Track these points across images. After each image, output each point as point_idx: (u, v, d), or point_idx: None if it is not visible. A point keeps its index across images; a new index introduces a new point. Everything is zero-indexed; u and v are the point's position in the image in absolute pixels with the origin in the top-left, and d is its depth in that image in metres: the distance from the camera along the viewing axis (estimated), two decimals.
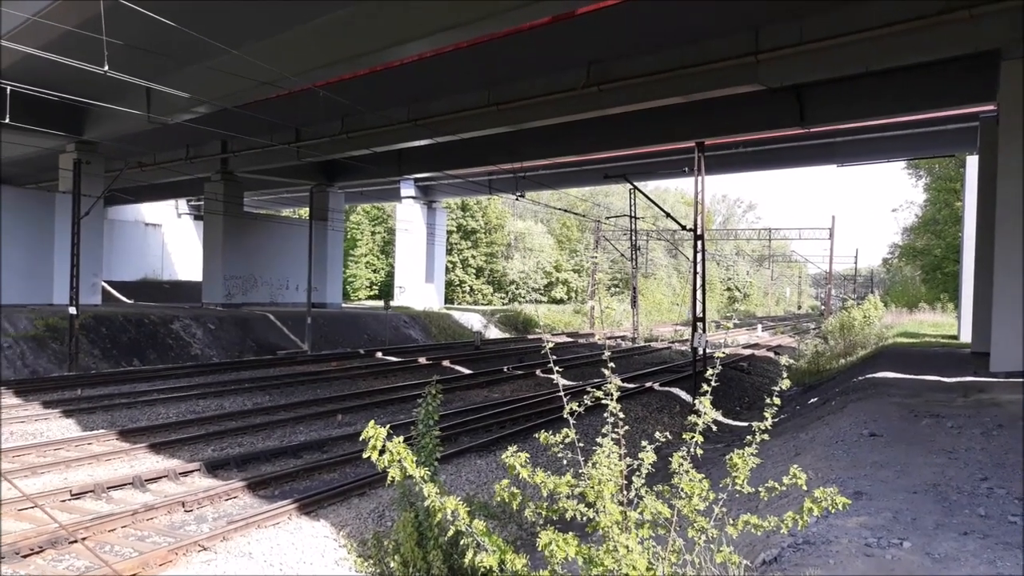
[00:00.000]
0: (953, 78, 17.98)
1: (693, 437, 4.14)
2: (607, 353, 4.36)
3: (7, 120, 16.63)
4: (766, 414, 4.24)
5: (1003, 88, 15.42)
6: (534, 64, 19.23)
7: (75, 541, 8.16)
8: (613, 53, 18.09)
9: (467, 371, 24.65)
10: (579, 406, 4.22)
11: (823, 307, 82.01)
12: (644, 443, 4.21)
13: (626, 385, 19.21)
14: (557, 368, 4.60)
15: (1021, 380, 13.41)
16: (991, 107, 19.55)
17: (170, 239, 54.47)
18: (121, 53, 13.64)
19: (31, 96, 17.39)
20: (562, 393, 4.40)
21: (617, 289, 70.02)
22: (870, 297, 41.33)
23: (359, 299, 59.41)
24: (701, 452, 4.14)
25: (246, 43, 16.44)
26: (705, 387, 4.30)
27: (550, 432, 4.26)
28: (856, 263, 74.17)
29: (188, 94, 16.54)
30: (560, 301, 66.58)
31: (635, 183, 27.49)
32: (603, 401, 4.29)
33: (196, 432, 14.35)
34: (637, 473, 4.05)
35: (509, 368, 25.21)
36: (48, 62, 13.65)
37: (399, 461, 4.11)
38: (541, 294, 67.79)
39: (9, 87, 15.79)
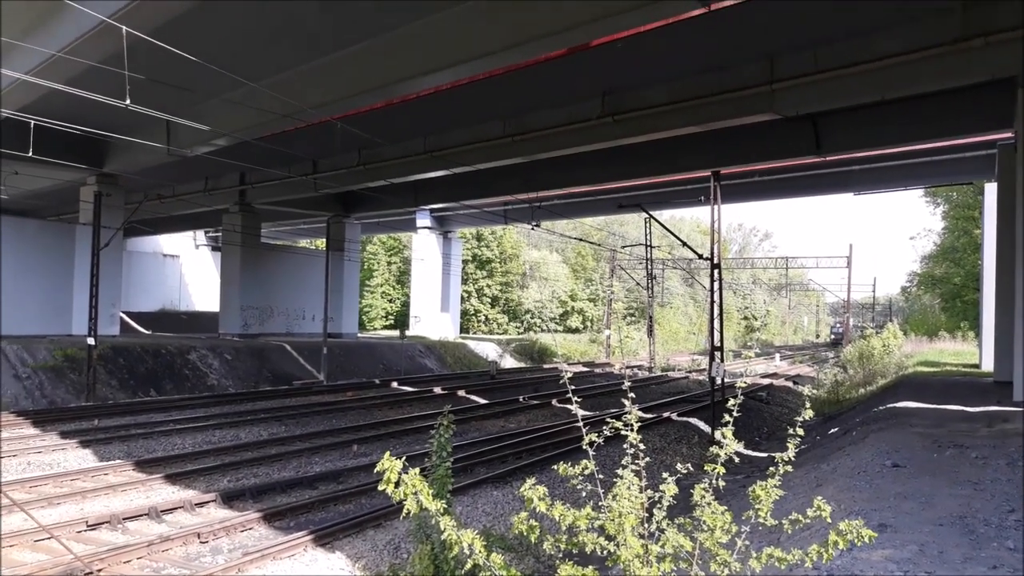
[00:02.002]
0: (970, 105, 17.93)
1: (715, 468, 4.08)
2: (627, 383, 4.31)
3: (30, 153, 16.85)
4: (789, 445, 4.17)
5: (1020, 115, 15.35)
6: (549, 95, 19.38)
7: (90, 573, 8.12)
8: (627, 83, 18.20)
9: (483, 400, 24.55)
10: (599, 437, 4.17)
11: (832, 336, 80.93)
12: (665, 475, 4.15)
13: (644, 415, 19.07)
14: (576, 399, 4.55)
15: None
16: (1008, 134, 19.47)
17: (188, 270, 54.94)
18: (142, 87, 13.86)
19: (53, 130, 17.68)
20: (581, 424, 4.35)
21: (633, 318, 69.76)
22: (889, 325, 40.97)
23: (375, 329, 59.51)
24: (724, 484, 4.08)
25: (264, 77, 16.68)
26: (727, 417, 4.24)
27: (569, 464, 4.21)
28: (874, 291, 73.70)
29: (207, 127, 16.74)
30: (576, 330, 66.40)
31: (650, 212, 27.48)
32: (622, 432, 4.24)
33: (212, 463, 14.33)
34: (658, 505, 3.99)
35: (525, 398, 25.08)
36: (70, 97, 13.88)
37: (415, 494, 4.07)
38: (556, 323, 67.63)
39: (33, 121, 16.03)
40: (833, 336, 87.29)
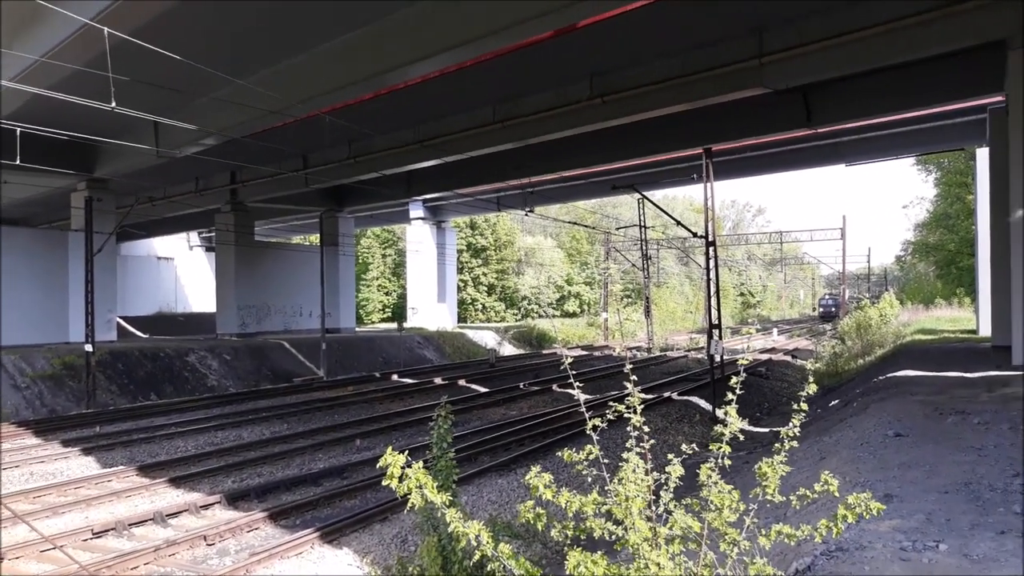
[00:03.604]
0: (959, 71, 17.85)
1: (720, 447, 4.05)
2: (628, 366, 4.28)
3: (18, 161, 16.71)
4: (794, 420, 4.14)
5: (1010, 78, 15.28)
6: (538, 79, 19.26)
7: None
8: (616, 64, 18.09)
9: (483, 389, 24.55)
10: (602, 421, 4.14)
11: (820, 309, 79.50)
12: (670, 456, 4.12)
13: (644, 396, 19.12)
14: (578, 384, 4.52)
15: None
16: (999, 98, 19.39)
17: (182, 272, 54.80)
18: (128, 89, 13.73)
19: (41, 137, 17.55)
20: (584, 409, 4.32)
21: (630, 300, 69.78)
22: (885, 295, 41.01)
23: (372, 322, 59.47)
24: (729, 462, 4.05)
25: (250, 73, 16.55)
26: (730, 395, 4.20)
27: (573, 449, 4.17)
28: (869, 262, 73.77)
29: (195, 126, 16.63)
30: (573, 314, 66.43)
31: (644, 192, 27.41)
32: (626, 415, 4.21)
33: (215, 464, 14.31)
34: (665, 487, 3.96)
35: (525, 384, 25.09)
36: (57, 102, 13.76)
37: (419, 487, 4.04)
38: (554, 308, 67.65)
39: (19, 129, 15.89)
40: (821, 309, 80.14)
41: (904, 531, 5.40)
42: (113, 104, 11.60)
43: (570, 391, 23.66)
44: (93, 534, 10.05)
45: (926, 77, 18.20)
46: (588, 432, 4.18)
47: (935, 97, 19.43)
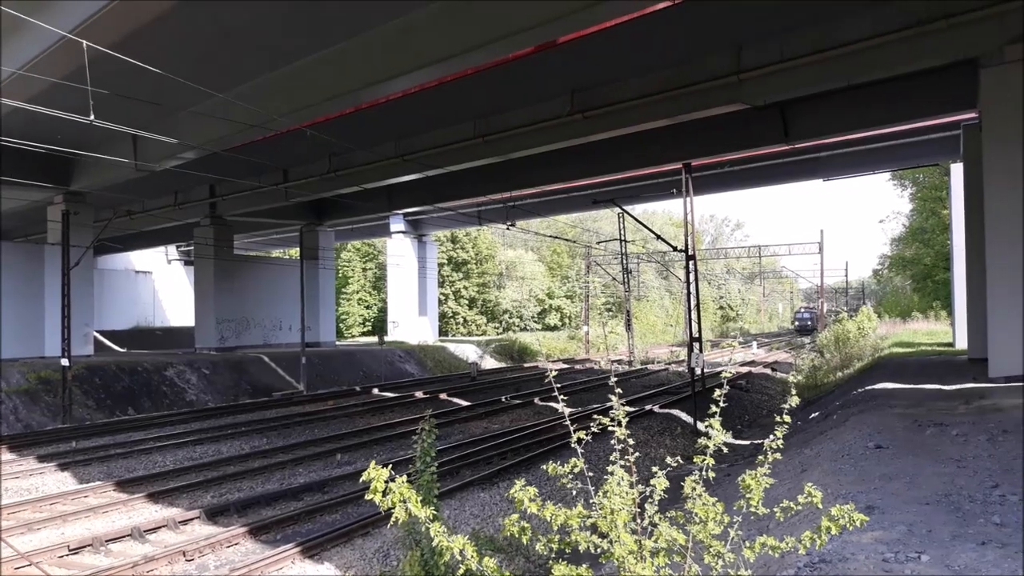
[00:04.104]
0: (934, 88, 18.15)
1: (704, 460, 4.07)
2: (613, 379, 4.29)
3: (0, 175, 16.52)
4: (777, 432, 4.17)
5: (983, 95, 15.56)
6: (519, 94, 19.35)
7: None
8: (596, 80, 18.21)
9: (465, 403, 24.48)
10: (587, 434, 4.15)
11: (795, 323, 79.26)
12: (655, 468, 4.14)
13: (626, 408, 19.17)
14: (562, 397, 4.53)
15: (1021, 384, 13.37)
16: (972, 114, 19.73)
17: (161, 286, 54.31)
18: (107, 102, 13.65)
19: (19, 150, 17.38)
20: (568, 422, 4.32)
21: (611, 313, 69.97)
22: (863, 308, 41.40)
23: (353, 336, 59.20)
24: (713, 475, 4.07)
25: (230, 87, 16.50)
26: (714, 408, 4.23)
27: (558, 463, 4.18)
28: (847, 275, 74.48)
29: (174, 140, 16.54)
30: (554, 328, 66.48)
31: (624, 207, 27.57)
32: (610, 428, 4.22)
33: (194, 479, 14.16)
34: (649, 500, 3.97)
35: (507, 398, 25.06)
36: (33, 115, 13.65)
37: (403, 502, 4.02)
38: (535, 321, 67.69)
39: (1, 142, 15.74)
40: (798, 323, 78.64)
41: (886, 542, 5.44)
42: (92, 117, 11.51)
43: (552, 404, 23.74)
44: (69, 550, 9.90)
45: (902, 94, 18.49)
46: (573, 445, 4.19)
47: (910, 113, 19.74)
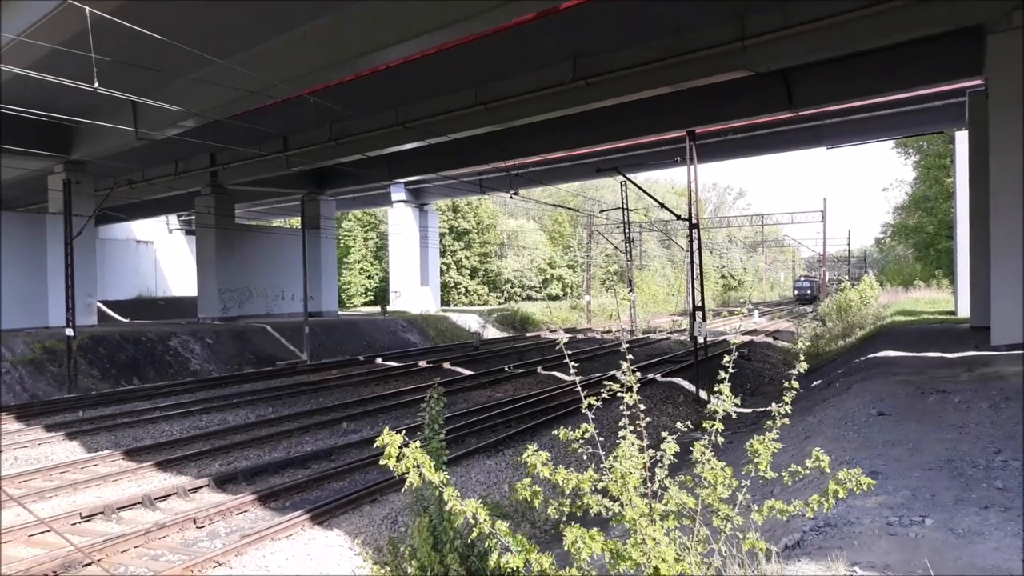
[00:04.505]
0: (939, 54, 18.01)
1: (713, 425, 4.12)
2: (625, 346, 4.33)
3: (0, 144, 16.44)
4: (785, 398, 4.22)
5: (990, 62, 15.44)
6: (520, 61, 19.20)
7: (90, 563, 8.11)
8: (598, 46, 18.06)
9: (468, 372, 24.61)
10: (597, 400, 4.20)
11: (795, 292, 78.31)
12: (664, 434, 4.19)
13: (637, 374, 19.32)
14: (573, 364, 4.57)
15: (1023, 352, 13.44)
16: (978, 81, 19.59)
17: (162, 255, 54.30)
18: (107, 69, 13.55)
19: (18, 118, 17.29)
20: (579, 388, 4.37)
21: (612, 282, 70.04)
22: (865, 277, 41.42)
23: (355, 306, 59.31)
24: (722, 440, 4.13)
25: (230, 54, 16.36)
26: (723, 373, 4.27)
27: (569, 428, 4.24)
28: (849, 244, 74.32)
29: (175, 107, 16.45)
30: (556, 297, 66.59)
31: (627, 175, 27.47)
32: (619, 394, 4.27)
33: (202, 448, 14.28)
34: (660, 464, 4.03)
35: (510, 367, 25.18)
36: (33, 83, 13.57)
37: (417, 467, 4.08)
38: (536, 291, 67.77)
39: (0, 110, 15.64)
40: (797, 292, 75.52)
41: (890, 507, 5.51)
42: (96, 85, 11.44)
43: (555, 373, 23.86)
44: (82, 518, 10.03)
45: (906, 61, 18.35)
46: (583, 411, 4.24)
47: (915, 80, 19.60)
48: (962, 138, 25.37)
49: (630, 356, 4.29)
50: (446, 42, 15.55)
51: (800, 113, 22.85)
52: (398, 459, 4.06)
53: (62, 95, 16.60)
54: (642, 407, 4.12)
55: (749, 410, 15.26)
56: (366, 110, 22.26)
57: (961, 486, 6.00)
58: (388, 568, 8.17)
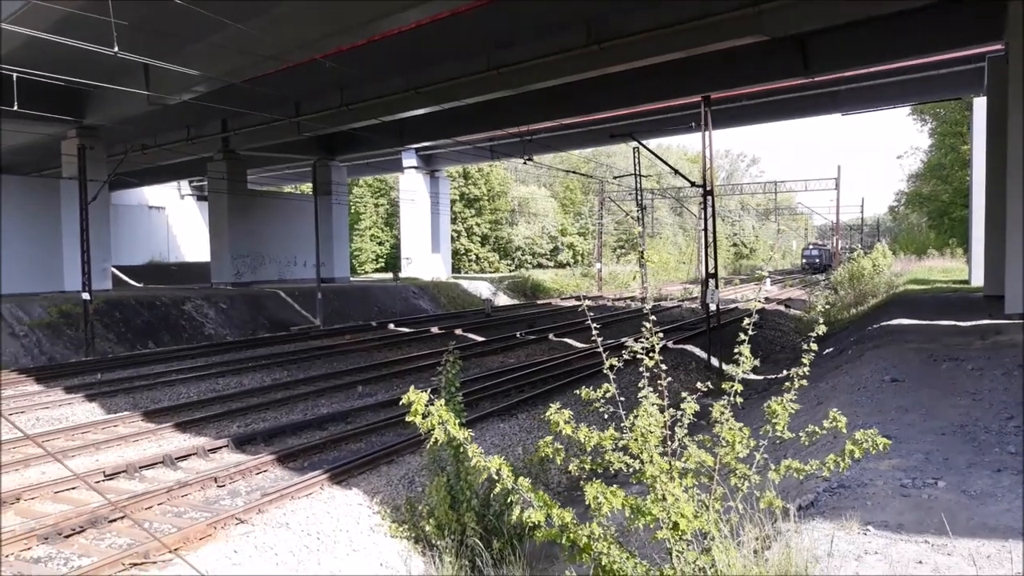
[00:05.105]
0: (959, 19, 17.78)
1: (732, 386, 4.21)
2: (648, 307, 4.41)
3: (16, 108, 16.48)
4: (804, 360, 4.30)
5: (1011, 26, 15.22)
6: (533, 26, 19.05)
7: (122, 517, 8.32)
8: (612, 10, 17.89)
9: (480, 338, 24.76)
10: (619, 361, 4.28)
11: (803, 261, 77.00)
12: (684, 394, 4.27)
13: (637, 346, 19.39)
14: (596, 327, 4.65)
15: None
16: (998, 46, 19.32)
17: (174, 221, 54.51)
18: (122, 33, 13.55)
19: (32, 83, 17.30)
20: (601, 349, 4.45)
21: (623, 250, 69.93)
22: (878, 245, 41.23)
23: (366, 272, 59.51)
24: (742, 400, 4.21)
25: (243, 19, 16.31)
26: (742, 335, 4.35)
27: (591, 388, 4.33)
28: (862, 212, 73.83)
29: (189, 71, 16.43)
30: (566, 265, 66.64)
31: (641, 141, 27.34)
32: (639, 356, 4.36)
33: (220, 410, 14.48)
34: (679, 423, 4.13)
35: (522, 334, 25.31)
36: (46, 45, 13.54)
37: (442, 424, 4.19)
38: (547, 259, 67.76)
39: (16, 74, 15.64)
40: (805, 260, 71.86)
41: (904, 469, 5.60)
42: (116, 49, 11.45)
43: (567, 340, 23.98)
44: (105, 476, 10.23)
45: (924, 26, 18.12)
46: (605, 371, 4.33)
47: (933, 46, 19.37)
48: (980, 105, 25.11)
49: (653, 317, 4.36)
50: (459, 6, 15.46)
51: (816, 79, 22.62)
52: (424, 416, 4.17)
53: (75, 59, 16.57)
54: (663, 367, 4.20)
55: (760, 377, 15.33)
56: (378, 75, 22.19)
57: (974, 450, 6.08)
58: (406, 526, 8.35)
